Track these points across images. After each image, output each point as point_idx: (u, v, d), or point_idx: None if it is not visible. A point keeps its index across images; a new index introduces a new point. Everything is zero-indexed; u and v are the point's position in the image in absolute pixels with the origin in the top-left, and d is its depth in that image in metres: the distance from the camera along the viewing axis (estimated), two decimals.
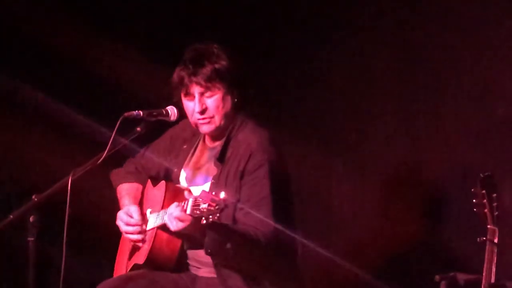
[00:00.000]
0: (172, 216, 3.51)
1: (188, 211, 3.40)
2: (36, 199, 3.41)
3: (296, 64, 5.91)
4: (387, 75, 5.62)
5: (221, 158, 3.90)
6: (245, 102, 3.96)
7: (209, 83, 3.81)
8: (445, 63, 5.32)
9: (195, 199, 3.40)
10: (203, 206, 3.35)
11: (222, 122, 3.88)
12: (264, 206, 3.73)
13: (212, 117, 3.84)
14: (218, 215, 3.35)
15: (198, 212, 3.36)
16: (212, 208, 3.33)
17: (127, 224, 3.93)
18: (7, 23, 5.34)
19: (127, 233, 3.97)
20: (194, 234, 3.67)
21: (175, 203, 3.57)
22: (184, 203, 3.47)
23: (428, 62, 5.42)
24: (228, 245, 3.68)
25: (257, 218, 3.71)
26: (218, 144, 3.98)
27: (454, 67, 5.28)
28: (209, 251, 3.73)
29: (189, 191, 3.87)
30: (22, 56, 5.44)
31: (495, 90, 5.05)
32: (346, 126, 5.81)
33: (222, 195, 3.34)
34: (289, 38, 5.97)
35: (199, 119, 3.84)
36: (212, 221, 3.37)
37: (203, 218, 3.36)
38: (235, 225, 3.73)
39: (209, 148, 4.05)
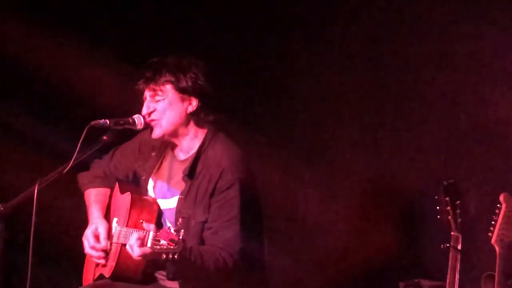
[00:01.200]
0: (133, 247, 3.45)
1: (149, 245, 3.34)
2: (2, 209, 3.32)
3: (265, 77, 5.89)
4: (353, 87, 5.61)
5: (190, 174, 3.85)
6: (204, 115, 3.90)
7: (157, 87, 3.80)
8: (409, 74, 5.35)
9: (155, 234, 3.34)
10: (163, 242, 3.31)
11: (171, 127, 3.84)
12: (233, 225, 3.72)
13: (158, 120, 3.81)
14: (177, 256, 3.32)
15: (158, 247, 3.32)
16: (171, 247, 3.30)
17: (92, 248, 3.88)
18: None
19: (90, 255, 3.94)
20: (157, 262, 3.67)
21: (137, 236, 3.46)
22: (145, 235, 3.38)
23: (393, 74, 5.42)
24: (190, 273, 3.70)
25: (225, 238, 3.73)
26: (188, 158, 3.94)
27: (418, 79, 5.30)
28: (170, 276, 3.76)
29: (157, 208, 3.91)
30: None
31: (457, 100, 5.05)
32: (312, 136, 5.78)
33: (181, 235, 3.30)
34: (258, 51, 5.94)
35: (148, 121, 3.82)
36: (174, 259, 3.35)
37: (163, 254, 3.33)
38: (200, 250, 3.66)
39: (178, 161, 4.00)
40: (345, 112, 5.67)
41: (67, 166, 3.52)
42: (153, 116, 3.79)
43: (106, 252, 3.87)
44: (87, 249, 3.90)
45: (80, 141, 3.50)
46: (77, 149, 3.50)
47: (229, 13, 6.07)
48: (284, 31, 5.94)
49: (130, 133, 3.89)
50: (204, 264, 3.60)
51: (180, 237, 3.28)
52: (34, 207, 3.37)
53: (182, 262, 3.45)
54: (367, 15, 5.60)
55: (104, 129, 3.66)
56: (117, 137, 3.76)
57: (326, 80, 5.73)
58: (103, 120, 3.64)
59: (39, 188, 3.43)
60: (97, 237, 3.88)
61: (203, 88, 3.85)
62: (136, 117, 3.74)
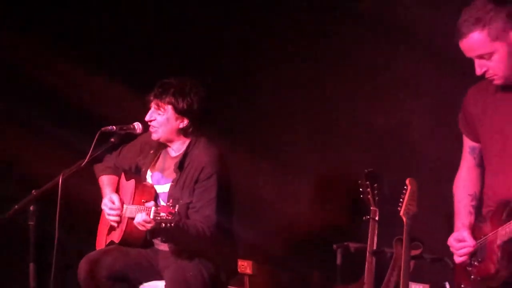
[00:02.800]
0: (139, 219, 3.65)
1: (151, 216, 3.55)
2: (35, 193, 3.49)
3: (234, 89, 5.89)
4: (303, 95, 5.66)
5: (180, 167, 4.03)
6: (194, 129, 4.07)
7: (161, 104, 3.98)
8: (344, 88, 5.36)
9: (156, 209, 3.56)
10: (163, 214, 3.52)
11: (165, 136, 4.05)
12: (210, 206, 3.90)
13: (157, 128, 4.00)
14: (173, 224, 3.55)
15: (158, 218, 3.52)
16: (169, 218, 3.52)
17: (111, 209, 4.03)
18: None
19: (109, 215, 4.06)
20: (156, 231, 3.78)
21: (139, 207, 3.71)
22: (149, 209, 3.58)
23: (334, 85, 5.45)
24: (180, 239, 3.90)
25: (204, 215, 3.89)
26: (178, 155, 4.10)
27: (350, 90, 5.32)
28: (164, 239, 3.98)
29: (154, 191, 4.09)
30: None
31: (376, 108, 5.17)
32: (271, 136, 5.82)
33: (177, 208, 3.56)
34: (229, 69, 5.95)
35: (149, 126, 4.02)
36: (169, 227, 3.57)
37: (162, 223, 3.54)
38: (187, 222, 3.86)
39: (171, 157, 4.16)
40: (297, 116, 5.69)
41: (84, 161, 3.68)
42: (153, 123, 4.00)
43: (120, 215, 4.02)
44: (107, 211, 4.05)
45: (94, 142, 3.68)
46: (92, 148, 3.67)
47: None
48: (244, 49, 5.91)
49: (131, 136, 4.07)
50: (189, 232, 3.80)
51: (176, 210, 3.53)
52: (60, 191, 3.52)
53: (176, 230, 3.67)
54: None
55: (111, 133, 3.81)
56: (121, 140, 3.92)
57: (281, 91, 5.77)
58: (111, 126, 3.82)
59: (63, 178, 3.53)
60: (112, 201, 4.04)
61: (195, 112, 4.02)
62: (136, 124, 3.94)
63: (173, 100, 3.99)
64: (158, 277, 4.09)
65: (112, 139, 3.82)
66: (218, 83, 5.80)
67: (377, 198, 4.22)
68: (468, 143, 3.08)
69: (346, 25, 5.34)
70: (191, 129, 4.08)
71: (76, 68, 5.30)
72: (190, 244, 3.93)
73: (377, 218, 4.21)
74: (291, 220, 5.67)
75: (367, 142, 5.29)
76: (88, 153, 3.67)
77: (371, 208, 4.23)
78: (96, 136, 3.69)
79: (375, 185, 4.23)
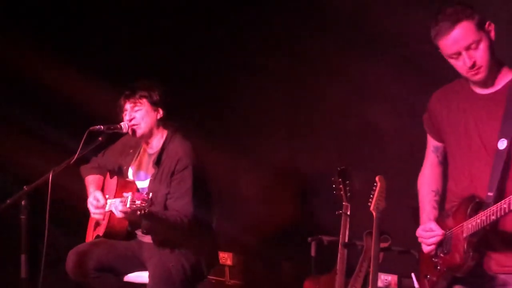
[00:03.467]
0: (117, 209, 3.65)
1: (128, 205, 3.55)
2: (26, 189, 3.46)
3: (212, 91, 5.88)
4: (276, 98, 5.68)
5: (157, 162, 4.05)
6: (168, 119, 4.10)
7: (136, 101, 4.01)
8: (314, 92, 5.40)
9: (132, 197, 3.56)
10: (138, 202, 3.53)
11: (147, 129, 4.05)
12: (186, 196, 3.90)
13: (138, 124, 4.00)
14: (147, 210, 3.56)
15: (134, 206, 3.53)
16: (144, 204, 3.53)
17: (96, 207, 4.00)
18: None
19: (94, 213, 4.06)
20: (135, 220, 3.81)
21: (119, 199, 3.65)
22: (126, 199, 3.57)
23: (304, 89, 5.49)
24: (158, 228, 3.88)
25: (181, 204, 3.89)
26: (155, 152, 4.11)
27: (321, 94, 5.35)
28: (144, 231, 3.95)
29: (134, 186, 4.09)
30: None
31: (347, 111, 5.17)
32: (249, 138, 5.82)
33: (150, 195, 3.57)
34: (208, 72, 5.93)
35: (130, 126, 4.00)
36: (145, 213, 3.58)
37: (138, 210, 3.55)
38: (164, 211, 3.89)
39: (149, 154, 4.18)
40: (274, 119, 5.72)
41: (73, 158, 3.65)
42: (133, 122, 3.99)
43: (103, 212, 4.00)
44: (92, 209, 4.03)
45: (82, 140, 3.65)
46: (80, 146, 3.64)
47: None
48: (226, 61, 5.86)
49: (118, 135, 4.06)
50: (167, 221, 3.82)
51: (149, 197, 3.54)
52: (50, 187, 3.50)
53: (151, 216, 3.70)
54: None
55: (99, 133, 3.79)
56: (108, 138, 3.90)
57: (259, 97, 5.76)
58: (98, 126, 3.79)
59: (53, 175, 3.52)
60: (97, 200, 4.00)
61: (167, 101, 4.08)
62: (122, 124, 3.93)
63: (146, 94, 4.04)
64: (142, 268, 4.10)
65: (100, 138, 3.80)
66: (203, 90, 5.86)
67: (348, 194, 4.22)
68: (432, 143, 3.11)
69: (319, 35, 5.36)
70: (166, 120, 4.12)
71: (67, 71, 5.28)
72: (169, 233, 3.92)
73: (348, 213, 4.21)
74: (269, 215, 5.69)
75: (340, 142, 5.30)
76: (77, 151, 3.65)
77: (343, 203, 4.23)
78: (85, 135, 3.67)
79: (347, 182, 4.23)
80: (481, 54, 2.71)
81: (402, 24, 4.64)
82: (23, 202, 3.45)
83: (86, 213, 4.21)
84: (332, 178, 4.27)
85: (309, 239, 4.55)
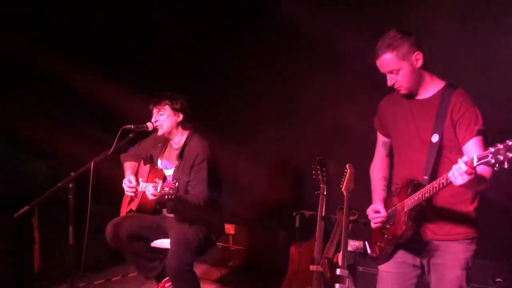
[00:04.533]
0: (149, 192, 3.63)
1: (158, 190, 3.55)
2: (73, 175, 3.47)
3: (222, 100, 5.91)
4: (269, 106, 5.70)
5: (180, 156, 4.06)
6: (187, 122, 4.11)
7: (161, 107, 4.02)
8: (298, 100, 5.43)
9: (162, 184, 3.56)
10: (166, 189, 3.54)
11: (168, 130, 4.06)
12: (203, 183, 3.92)
13: (161, 125, 4.02)
14: (173, 196, 3.58)
15: (163, 191, 3.54)
16: (171, 191, 3.54)
17: (128, 186, 4.05)
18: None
19: (127, 191, 4.09)
20: (162, 202, 3.82)
21: (152, 184, 3.63)
22: (157, 185, 3.57)
23: (291, 98, 5.50)
24: (181, 209, 3.89)
25: (199, 190, 3.92)
26: (179, 147, 4.11)
27: (303, 102, 5.39)
28: (169, 211, 3.98)
29: (163, 173, 4.10)
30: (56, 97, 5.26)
31: (325, 111, 5.20)
32: (248, 133, 5.83)
33: (176, 184, 3.56)
34: (220, 87, 5.96)
35: (155, 125, 4.01)
36: (171, 198, 3.60)
37: (166, 195, 3.57)
38: (185, 195, 3.89)
39: (174, 149, 4.18)
40: (267, 119, 5.72)
41: (110, 151, 3.63)
42: (157, 123, 4.01)
43: (136, 191, 4.03)
44: (126, 188, 4.07)
45: (117, 137, 3.64)
46: (115, 141, 3.62)
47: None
48: (229, 76, 5.89)
49: (145, 133, 4.05)
50: (187, 203, 3.83)
51: (176, 185, 3.54)
52: (91, 173, 3.50)
53: (176, 200, 3.70)
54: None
55: (130, 130, 3.78)
56: (137, 135, 3.90)
57: (255, 102, 5.78)
58: (130, 125, 3.79)
59: (94, 163, 3.53)
60: (129, 181, 4.05)
61: (185, 108, 4.08)
62: (148, 124, 3.93)
63: (169, 102, 4.05)
64: (165, 236, 4.11)
65: (131, 135, 3.79)
66: (216, 100, 5.86)
67: (325, 178, 4.22)
68: (381, 139, 3.11)
69: (301, 56, 5.41)
70: (186, 123, 4.11)
71: (106, 83, 5.27)
72: (189, 212, 3.92)
73: (325, 193, 4.21)
74: (263, 194, 5.71)
75: (318, 138, 5.31)
76: (113, 145, 3.63)
77: (321, 185, 4.22)
78: (119, 133, 3.66)
79: (324, 168, 4.24)
80: (400, 79, 2.78)
81: (360, 45, 4.49)
82: (70, 185, 3.43)
83: (120, 193, 4.21)
84: (312, 166, 4.27)
85: (294, 213, 4.52)
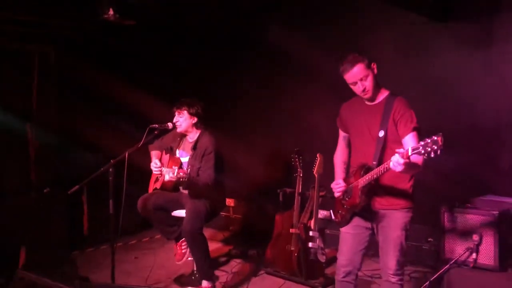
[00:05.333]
0: (169, 175, 3.60)
1: (175, 174, 3.54)
2: (112, 162, 3.41)
3: (226, 105, 5.84)
4: (261, 108, 5.65)
5: (194, 148, 4.01)
6: (200, 123, 4.05)
7: (181, 111, 3.97)
8: (283, 106, 5.42)
9: (178, 171, 3.55)
10: (181, 174, 3.54)
11: (185, 129, 4.01)
12: (211, 169, 3.86)
13: (180, 125, 3.98)
14: (186, 179, 3.57)
15: (178, 175, 3.53)
16: (184, 176, 3.54)
17: (155, 167, 3.97)
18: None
19: (154, 171, 4.01)
20: (178, 182, 3.75)
21: (170, 170, 3.59)
22: (174, 170, 3.57)
23: (277, 104, 5.48)
24: (192, 187, 3.83)
25: (207, 174, 3.85)
26: (193, 141, 4.05)
27: (286, 107, 5.37)
28: (185, 187, 3.94)
29: (179, 161, 4.04)
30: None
31: (302, 113, 5.15)
32: (244, 129, 5.79)
33: (188, 170, 3.56)
34: (225, 94, 5.90)
35: (176, 125, 3.97)
36: (184, 180, 3.59)
37: (181, 178, 3.56)
38: (197, 177, 3.83)
39: (189, 142, 4.10)
40: (258, 118, 5.67)
41: (140, 144, 3.57)
42: (177, 123, 3.97)
43: (161, 171, 3.93)
44: (153, 169, 3.97)
45: (145, 133, 3.60)
46: (144, 136, 3.58)
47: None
48: (231, 86, 5.82)
49: (166, 130, 3.95)
50: (198, 183, 3.79)
51: (188, 171, 3.55)
52: (126, 161, 3.43)
53: (188, 182, 3.67)
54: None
55: (155, 128, 3.71)
56: (160, 132, 3.82)
57: (249, 103, 5.74)
58: (154, 124, 3.73)
59: (128, 153, 3.45)
60: (155, 163, 3.97)
61: (200, 113, 4.02)
62: (169, 123, 3.87)
63: (187, 108, 3.99)
64: (182, 207, 4.07)
65: (156, 132, 3.74)
66: (222, 105, 5.81)
67: (301, 164, 4.19)
68: (342, 134, 3.11)
69: (286, 68, 5.35)
70: (199, 124, 4.06)
71: (137, 91, 5.28)
72: (198, 190, 3.88)
73: (301, 175, 4.19)
74: (256, 176, 5.66)
75: (296, 134, 5.31)
76: (142, 139, 3.59)
77: (298, 169, 4.20)
78: (147, 130, 3.62)
79: (300, 157, 4.21)
80: (368, 84, 2.77)
81: (326, 64, 4.54)
82: (110, 169, 3.39)
83: (148, 176, 4.16)
84: (292, 155, 4.24)
85: (278, 190, 4.54)
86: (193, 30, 5.63)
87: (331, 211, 3.05)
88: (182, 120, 4.00)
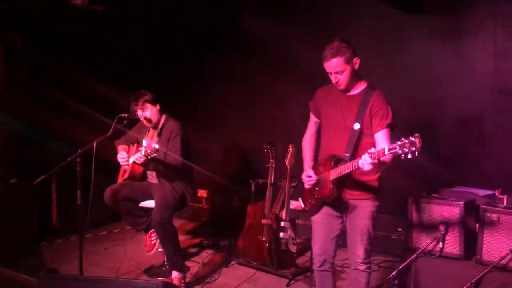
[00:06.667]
0: (138, 156, 3.55)
1: (143, 153, 3.48)
2: (80, 151, 3.35)
3: (196, 98, 5.81)
4: (234, 99, 5.62)
5: (159, 134, 3.96)
6: (163, 108, 4.00)
7: (142, 106, 3.92)
8: (252, 100, 5.42)
9: (145, 148, 3.47)
10: (149, 151, 3.45)
11: (154, 119, 3.96)
12: (177, 151, 3.80)
13: (151, 118, 3.94)
14: (155, 154, 3.48)
15: (146, 153, 3.46)
16: (152, 151, 3.45)
17: (121, 158, 3.95)
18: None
19: (121, 162, 3.99)
20: (146, 162, 3.67)
21: (138, 152, 3.56)
22: (142, 148, 3.50)
23: (246, 98, 5.49)
24: (160, 168, 3.79)
25: (174, 157, 3.78)
26: (158, 129, 3.99)
27: (256, 101, 5.35)
28: (151, 168, 3.90)
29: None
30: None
31: (273, 106, 5.13)
32: (217, 120, 5.77)
33: (156, 146, 3.47)
34: (195, 87, 5.86)
35: (146, 123, 3.95)
36: (151, 157, 3.51)
37: (148, 156, 3.47)
38: (165, 160, 3.80)
39: (153, 130, 4.05)
40: (231, 110, 5.65)
41: (108, 133, 3.50)
42: (148, 117, 3.94)
43: (128, 160, 3.90)
44: (119, 160, 3.95)
45: (114, 123, 3.51)
46: (113, 126, 3.49)
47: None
48: (202, 80, 5.79)
49: (136, 120, 3.94)
50: (165, 163, 3.75)
51: (155, 147, 3.45)
52: (94, 150, 3.35)
53: (156, 160, 3.61)
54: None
55: (124, 118, 3.68)
56: (130, 121, 3.77)
57: (223, 95, 5.70)
58: (123, 114, 3.69)
59: (96, 143, 3.38)
60: (122, 154, 3.94)
61: (156, 98, 3.97)
62: (138, 113, 3.85)
63: (145, 99, 3.94)
64: (150, 198, 4.03)
65: (125, 121, 3.69)
66: (191, 97, 5.78)
67: (274, 155, 4.21)
68: (313, 119, 3.05)
69: (257, 61, 5.34)
70: (161, 110, 4.00)
71: (104, 82, 5.20)
72: (166, 171, 3.82)
73: (273, 166, 4.20)
74: (228, 166, 5.67)
75: (269, 126, 5.32)
76: (110, 129, 3.52)
77: (270, 160, 4.22)
78: (115, 119, 3.55)
79: (273, 148, 4.23)
80: (343, 78, 2.75)
81: (299, 59, 4.70)
82: (78, 159, 3.32)
83: (116, 166, 4.11)
84: (264, 146, 4.26)
85: (251, 181, 4.53)
86: (163, 18, 5.54)
87: (300, 199, 3.05)
88: (149, 112, 3.96)
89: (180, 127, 3.95)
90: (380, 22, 4.57)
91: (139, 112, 3.95)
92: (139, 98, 3.95)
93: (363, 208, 2.82)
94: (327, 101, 2.93)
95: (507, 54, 3.93)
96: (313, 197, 2.93)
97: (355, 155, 2.71)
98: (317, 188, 2.88)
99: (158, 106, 4.00)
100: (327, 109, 2.92)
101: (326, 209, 2.92)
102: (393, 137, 2.65)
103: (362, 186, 2.81)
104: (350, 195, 2.84)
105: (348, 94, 2.85)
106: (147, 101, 3.94)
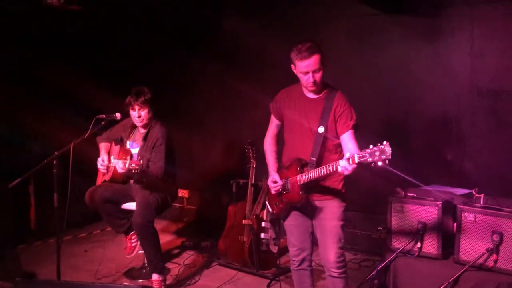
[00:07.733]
0: (119, 167, 3.53)
1: (127, 166, 3.46)
2: (56, 153, 3.32)
3: (182, 98, 5.79)
4: (217, 100, 5.60)
5: (145, 138, 3.93)
6: (154, 113, 3.96)
7: (142, 107, 3.86)
8: (234, 101, 5.33)
9: (130, 162, 3.47)
10: (133, 165, 3.45)
11: (147, 122, 3.91)
12: (161, 159, 3.77)
13: (143, 120, 3.88)
14: (138, 171, 3.48)
15: (130, 167, 3.45)
16: (136, 167, 3.45)
17: (101, 165, 3.89)
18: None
19: (100, 168, 3.93)
20: (129, 175, 3.71)
21: (121, 161, 3.53)
22: (126, 161, 3.50)
23: (229, 99, 5.42)
24: (144, 180, 3.78)
25: (158, 166, 3.74)
26: (144, 132, 3.97)
27: (237, 103, 5.25)
28: (134, 182, 3.88)
29: (130, 152, 3.93)
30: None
31: (252, 108, 5.02)
32: (199, 119, 5.74)
33: (141, 162, 3.47)
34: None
35: (137, 120, 3.89)
36: (136, 172, 3.50)
37: (133, 170, 3.47)
38: (147, 169, 3.74)
39: (140, 133, 4.02)
40: (215, 110, 5.62)
41: (86, 135, 3.45)
42: (139, 118, 3.89)
43: (108, 167, 3.87)
44: (99, 165, 3.89)
45: (91, 124, 3.47)
46: (91, 127, 3.46)
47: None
48: (190, 81, 5.75)
49: (114, 121, 3.77)
50: (148, 176, 3.72)
51: (140, 162, 3.46)
52: (71, 152, 3.32)
53: (140, 174, 3.59)
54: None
55: (102, 119, 3.58)
56: (108, 123, 3.66)
57: (206, 95, 5.67)
58: (101, 115, 3.58)
59: (73, 144, 3.33)
60: (103, 160, 3.88)
61: (153, 104, 3.94)
62: (117, 114, 3.69)
63: (149, 104, 3.91)
64: (132, 200, 4.00)
65: (103, 123, 3.61)
66: (177, 97, 5.76)
67: (254, 155, 4.21)
68: (274, 121, 3.04)
69: (239, 63, 5.29)
70: (153, 114, 3.97)
71: (84, 82, 5.14)
72: (149, 183, 3.82)
73: (254, 166, 4.19)
74: (210, 166, 5.65)
75: (251, 125, 5.27)
76: (88, 130, 3.47)
77: (251, 160, 4.22)
78: (93, 121, 3.50)
79: (254, 148, 4.24)
80: (319, 76, 2.74)
81: (278, 61, 4.59)
82: (54, 161, 3.29)
83: (95, 167, 4.03)
84: (245, 146, 4.26)
85: (232, 181, 4.51)
86: (144, 16, 5.48)
87: (266, 202, 3.04)
88: (144, 114, 3.90)
89: (166, 133, 3.90)
90: (357, 23, 4.60)
91: (136, 108, 3.88)
92: (142, 95, 3.88)
93: (330, 209, 2.83)
94: (289, 104, 2.91)
95: (483, 54, 3.99)
96: (281, 201, 2.92)
97: (321, 158, 2.71)
98: (284, 192, 2.88)
99: (152, 112, 3.95)
100: (290, 112, 2.90)
101: (295, 212, 2.93)
102: (366, 141, 2.63)
103: (327, 188, 2.82)
104: (316, 197, 2.85)
105: (310, 96, 2.83)
106: (147, 101, 3.89)
